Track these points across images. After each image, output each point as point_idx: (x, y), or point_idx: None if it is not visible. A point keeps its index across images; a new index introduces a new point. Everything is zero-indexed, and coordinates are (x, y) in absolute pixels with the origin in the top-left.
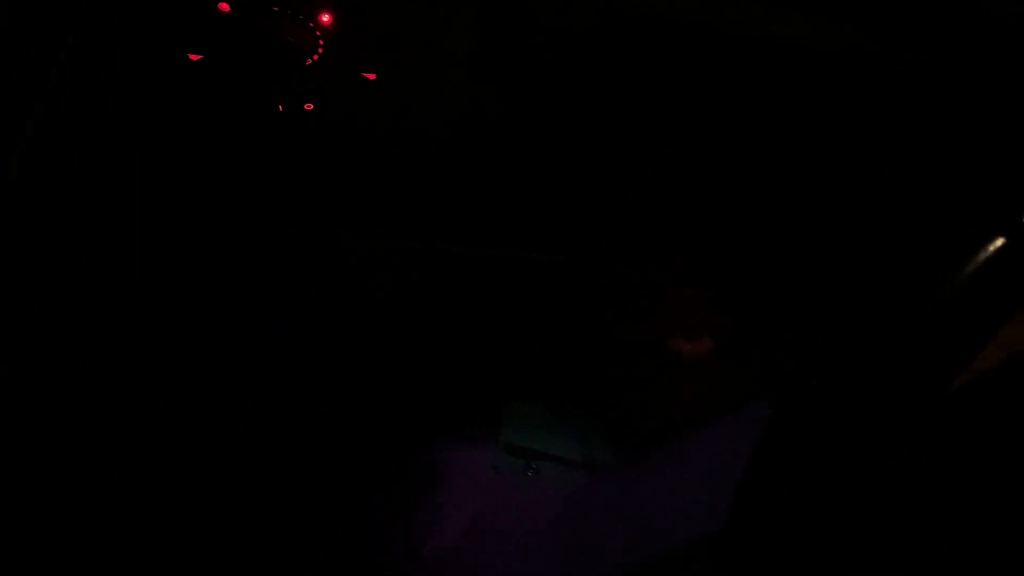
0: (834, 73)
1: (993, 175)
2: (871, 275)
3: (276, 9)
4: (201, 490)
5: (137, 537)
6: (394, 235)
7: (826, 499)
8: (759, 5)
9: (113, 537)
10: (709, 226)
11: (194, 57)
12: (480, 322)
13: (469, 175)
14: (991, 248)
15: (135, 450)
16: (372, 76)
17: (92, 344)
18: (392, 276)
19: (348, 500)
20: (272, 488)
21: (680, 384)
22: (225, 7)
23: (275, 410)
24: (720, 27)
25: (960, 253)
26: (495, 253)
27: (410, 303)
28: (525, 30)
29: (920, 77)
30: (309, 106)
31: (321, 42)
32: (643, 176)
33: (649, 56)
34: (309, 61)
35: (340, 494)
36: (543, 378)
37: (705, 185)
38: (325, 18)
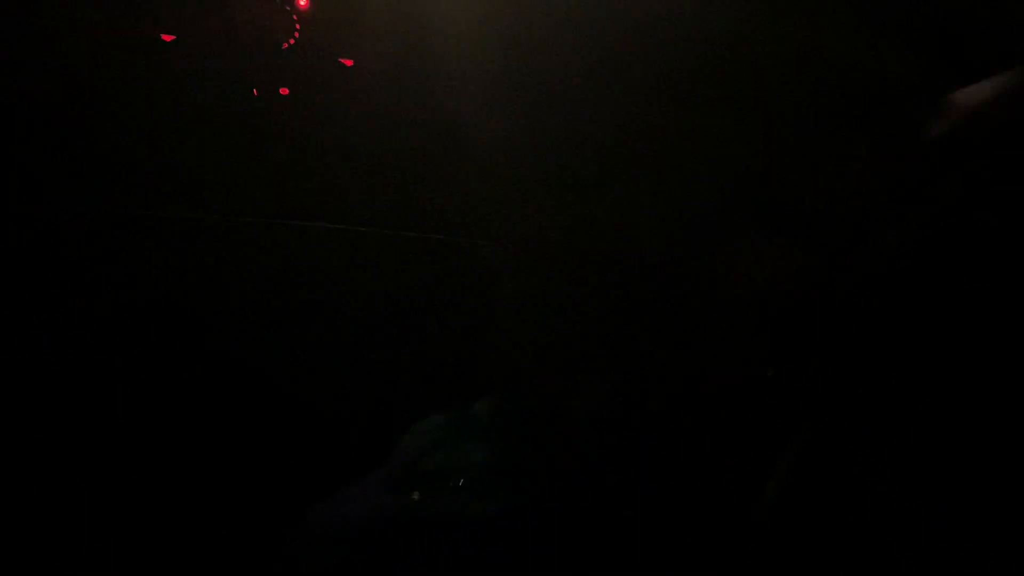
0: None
1: None
2: None
3: None
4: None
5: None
6: (373, 223)
7: None
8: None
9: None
10: None
11: (167, 38)
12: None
13: (449, 165)
14: None
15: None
16: (349, 62)
17: None
18: (370, 263)
19: None
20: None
21: None
22: None
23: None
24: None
25: None
26: (469, 243)
27: (391, 291)
28: (506, 19)
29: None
30: (285, 91)
31: (298, 26)
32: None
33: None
34: (285, 45)
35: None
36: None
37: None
38: (302, 2)
